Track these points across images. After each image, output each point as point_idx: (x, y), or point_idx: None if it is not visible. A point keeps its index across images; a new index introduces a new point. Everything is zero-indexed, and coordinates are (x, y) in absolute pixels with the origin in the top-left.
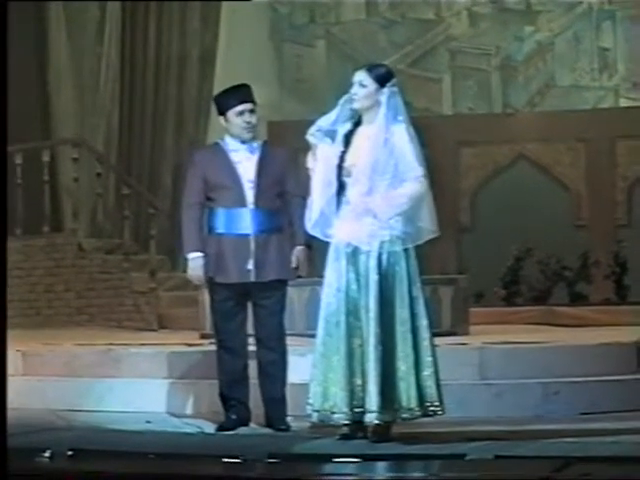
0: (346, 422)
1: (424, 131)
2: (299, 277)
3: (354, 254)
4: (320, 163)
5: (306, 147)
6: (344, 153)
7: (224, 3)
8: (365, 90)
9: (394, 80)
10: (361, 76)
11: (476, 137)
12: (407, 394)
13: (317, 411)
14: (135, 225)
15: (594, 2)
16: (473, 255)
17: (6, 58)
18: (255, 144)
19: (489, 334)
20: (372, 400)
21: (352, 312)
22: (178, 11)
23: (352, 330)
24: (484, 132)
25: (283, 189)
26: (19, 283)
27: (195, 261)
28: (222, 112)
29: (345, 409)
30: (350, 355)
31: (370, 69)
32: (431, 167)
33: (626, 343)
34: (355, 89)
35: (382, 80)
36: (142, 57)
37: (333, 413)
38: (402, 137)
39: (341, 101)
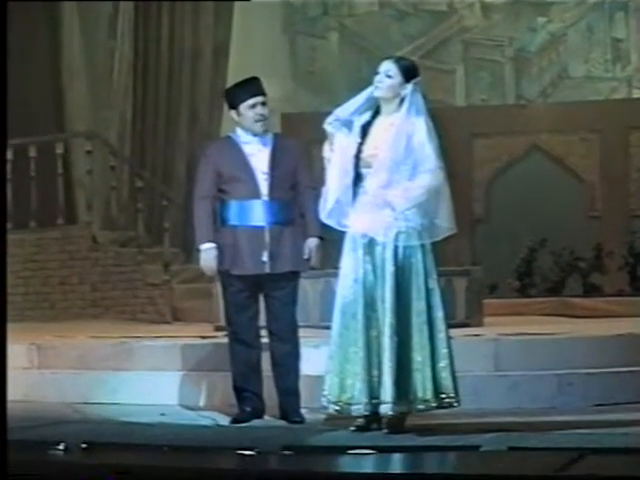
0: (364, 414)
1: (437, 123)
2: (312, 269)
3: (370, 245)
4: (337, 153)
5: (319, 138)
6: (361, 144)
7: None
8: (390, 81)
9: (419, 78)
10: (388, 66)
11: (489, 128)
12: (422, 385)
13: (334, 403)
14: (149, 218)
15: None
16: (487, 246)
17: (5, 56)
18: (267, 136)
19: (503, 325)
20: (387, 391)
21: (369, 303)
22: (191, 4)
23: (369, 321)
24: (497, 123)
25: (295, 181)
26: (33, 275)
27: (208, 252)
28: (233, 106)
29: (364, 400)
30: (368, 346)
31: (398, 61)
32: (445, 158)
33: None
34: (380, 77)
35: (408, 75)
36: (155, 50)
37: (350, 405)
38: (422, 130)
39: (367, 91)
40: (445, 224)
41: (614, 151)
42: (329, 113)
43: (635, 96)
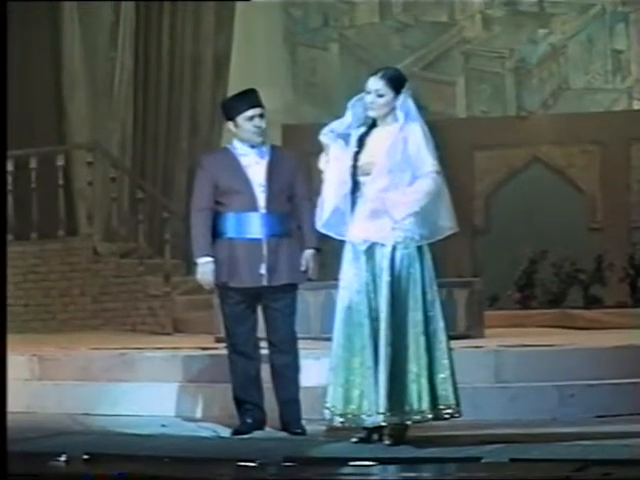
0: (373, 425)
1: (438, 134)
2: (309, 280)
3: (370, 253)
4: (333, 163)
5: (320, 150)
6: (358, 153)
7: (238, 6)
8: (383, 99)
9: (407, 84)
10: (378, 85)
11: (490, 140)
12: (418, 397)
13: (340, 415)
14: (149, 229)
15: (607, 4)
16: (488, 258)
17: (6, 58)
18: (264, 148)
19: (504, 337)
20: (380, 402)
21: (371, 313)
22: (192, 15)
23: (373, 331)
24: (498, 135)
25: (292, 192)
26: (34, 287)
27: (206, 266)
28: (231, 117)
29: (371, 411)
30: (375, 356)
31: (385, 77)
32: (445, 170)
33: None
34: (372, 98)
35: (398, 87)
36: (156, 61)
37: (356, 416)
38: (417, 135)
39: (351, 104)
40: (446, 223)
41: (615, 163)
42: (329, 123)
43: (636, 107)
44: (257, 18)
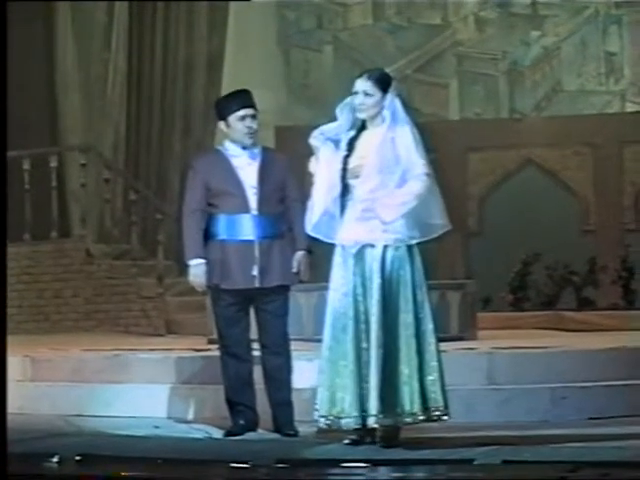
0: (354, 427)
1: (431, 136)
2: (301, 282)
3: (360, 256)
4: (323, 166)
5: (313, 152)
6: (347, 157)
7: (232, 8)
8: (371, 99)
9: (394, 83)
10: (365, 86)
11: (484, 142)
12: (410, 398)
13: (324, 417)
14: (143, 230)
15: (601, 6)
16: (481, 260)
17: (6, 59)
18: (256, 150)
19: (497, 339)
20: (372, 403)
21: (358, 316)
22: (185, 16)
23: (359, 334)
24: (492, 137)
25: (284, 194)
26: (27, 289)
27: (198, 267)
28: (223, 117)
29: (354, 414)
30: (358, 359)
31: (372, 77)
32: (439, 172)
33: (634, 348)
34: (361, 99)
35: (384, 86)
36: (149, 62)
37: (340, 418)
38: (407, 136)
39: (339, 109)
40: (439, 222)
41: (608, 165)
42: (319, 126)
43: (629, 110)
44: (251, 19)
